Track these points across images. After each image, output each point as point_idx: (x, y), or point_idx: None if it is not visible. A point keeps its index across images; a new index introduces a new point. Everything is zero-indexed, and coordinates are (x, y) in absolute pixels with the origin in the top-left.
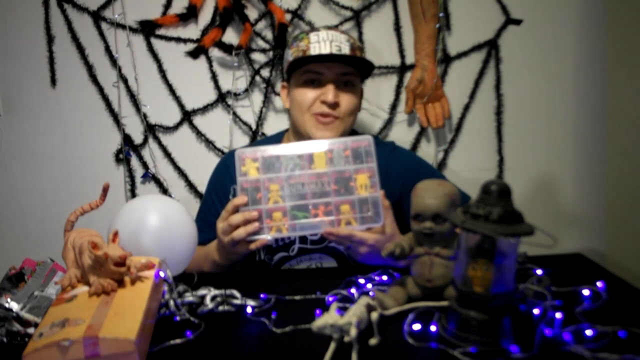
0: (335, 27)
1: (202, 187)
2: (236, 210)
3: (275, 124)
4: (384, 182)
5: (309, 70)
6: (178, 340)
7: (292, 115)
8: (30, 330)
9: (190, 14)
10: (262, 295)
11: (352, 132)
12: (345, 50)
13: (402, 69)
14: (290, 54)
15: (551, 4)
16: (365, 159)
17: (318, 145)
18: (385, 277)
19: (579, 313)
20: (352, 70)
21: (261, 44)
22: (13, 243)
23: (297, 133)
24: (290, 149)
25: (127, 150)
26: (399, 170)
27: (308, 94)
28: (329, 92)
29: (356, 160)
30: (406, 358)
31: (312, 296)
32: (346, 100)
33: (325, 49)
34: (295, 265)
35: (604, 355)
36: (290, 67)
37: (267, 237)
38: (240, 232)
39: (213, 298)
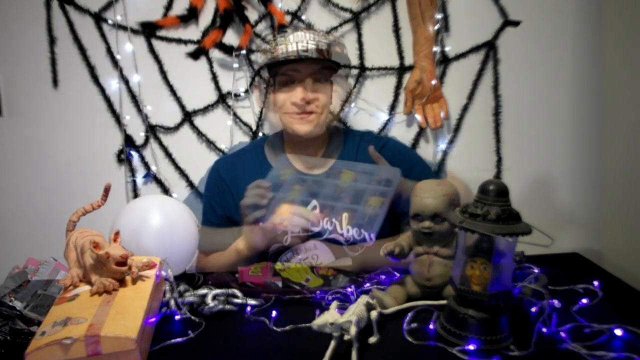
0: (303, 28)
1: (203, 188)
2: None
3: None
4: None
5: (279, 73)
6: (179, 339)
7: (276, 114)
8: (34, 328)
9: (190, 16)
10: (262, 295)
11: (335, 129)
12: (311, 49)
13: (401, 70)
14: (260, 58)
15: (548, 5)
16: (385, 185)
17: (349, 167)
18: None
19: (575, 311)
20: (320, 67)
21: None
22: (16, 242)
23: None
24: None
25: (129, 150)
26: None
27: (280, 96)
28: (297, 94)
29: (378, 184)
30: (405, 356)
31: (312, 295)
32: (317, 97)
33: (291, 51)
34: (291, 257)
35: (600, 353)
36: (259, 70)
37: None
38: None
39: (214, 297)
